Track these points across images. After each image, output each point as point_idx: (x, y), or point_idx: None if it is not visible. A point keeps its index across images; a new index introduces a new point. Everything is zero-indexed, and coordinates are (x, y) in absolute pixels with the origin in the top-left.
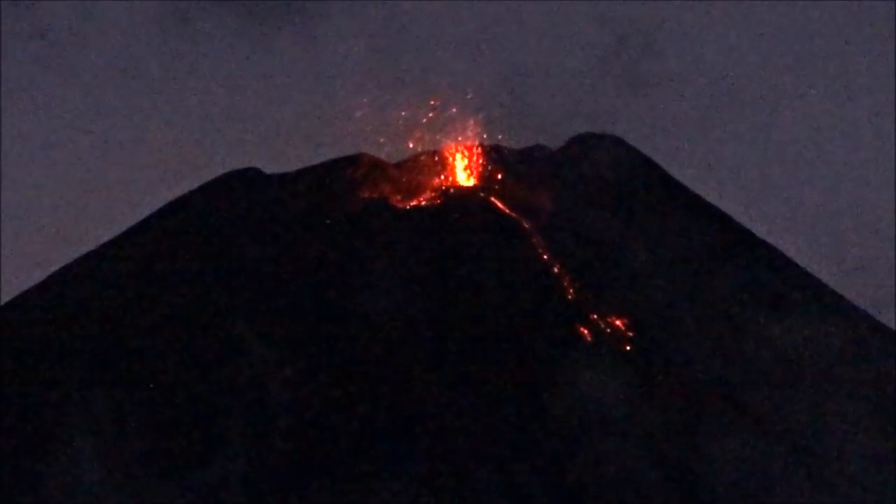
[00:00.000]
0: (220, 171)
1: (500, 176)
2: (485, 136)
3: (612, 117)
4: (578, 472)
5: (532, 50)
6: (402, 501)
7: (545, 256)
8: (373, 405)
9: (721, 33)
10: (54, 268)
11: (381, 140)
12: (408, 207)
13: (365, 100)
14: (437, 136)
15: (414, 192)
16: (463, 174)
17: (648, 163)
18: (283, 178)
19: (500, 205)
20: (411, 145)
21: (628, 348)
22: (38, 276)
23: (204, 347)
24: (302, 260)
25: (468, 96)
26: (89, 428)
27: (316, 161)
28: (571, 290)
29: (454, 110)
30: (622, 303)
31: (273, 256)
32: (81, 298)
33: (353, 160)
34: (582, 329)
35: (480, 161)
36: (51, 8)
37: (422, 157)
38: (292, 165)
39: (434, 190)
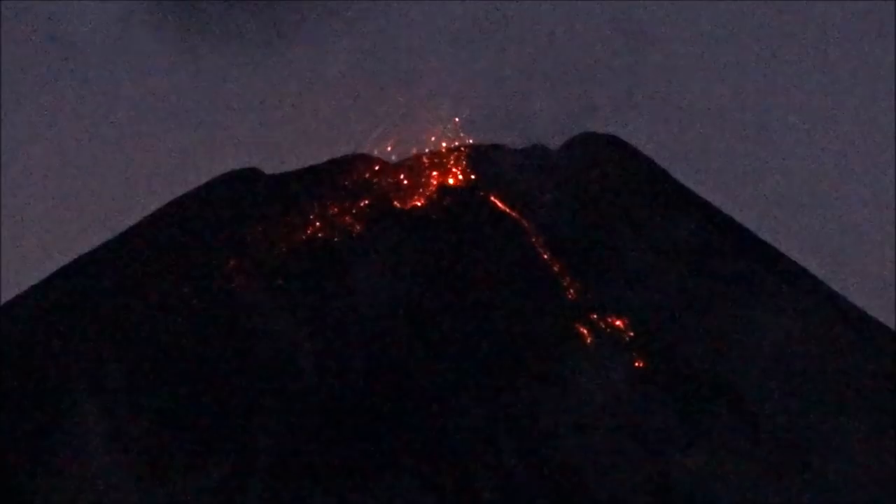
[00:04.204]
0: (220, 171)
1: (500, 176)
2: (484, 135)
3: (612, 117)
4: (578, 471)
5: (532, 49)
6: (401, 501)
7: (545, 256)
8: (371, 406)
9: (721, 33)
10: (54, 268)
11: (381, 140)
12: (408, 207)
13: (365, 100)
14: (437, 136)
15: (414, 192)
16: (463, 174)
17: (648, 163)
18: (283, 178)
19: (500, 205)
20: (411, 145)
21: (628, 348)
22: (38, 276)
23: (201, 347)
24: (301, 261)
25: (468, 96)
26: (97, 428)
27: (316, 161)
28: (571, 290)
29: (454, 110)
30: (622, 303)
31: (272, 257)
32: (81, 298)
33: (353, 160)
34: (582, 329)
35: (480, 161)
36: (52, 7)
37: (422, 157)
38: (292, 165)
39: (434, 190)
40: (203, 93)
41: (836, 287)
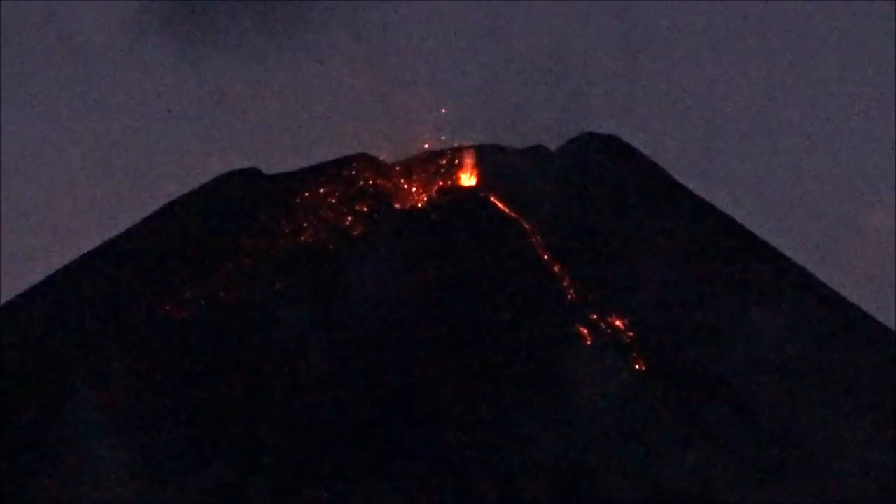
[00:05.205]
0: (220, 171)
1: (500, 176)
2: (484, 136)
3: (612, 117)
4: (578, 471)
5: (532, 49)
6: (401, 501)
7: (545, 256)
8: (371, 406)
9: (721, 33)
10: (54, 268)
11: (381, 140)
12: (408, 208)
13: (364, 100)
14: (437, 136)
15: (414, 192)
16: (463, 174)
17: (648, 163)
18: (283, 178)
19: (500, 205)
20: (411, 145)
21: (628, 348)
22: (38, 276)
23: (201, 348)
24: (301, 261)
25: (468, 96)
26: (98, 428)
27: (316, 161)
28: (571, 290)
29: (454, 110)
30: (622, 303)
31: (272, 258)
32: (81, 298)
33: (352, 160)
34: (582, 329)
35: (480, 161)
36: (53, 7)
37: (422, 157)
38: (292, 165)
39: (434, 190)
40: (203, 93)
41: (835, 287)
